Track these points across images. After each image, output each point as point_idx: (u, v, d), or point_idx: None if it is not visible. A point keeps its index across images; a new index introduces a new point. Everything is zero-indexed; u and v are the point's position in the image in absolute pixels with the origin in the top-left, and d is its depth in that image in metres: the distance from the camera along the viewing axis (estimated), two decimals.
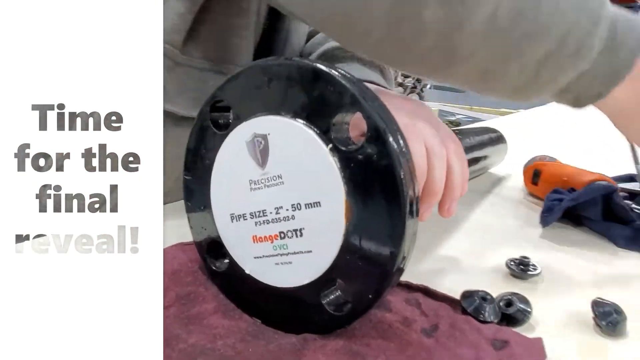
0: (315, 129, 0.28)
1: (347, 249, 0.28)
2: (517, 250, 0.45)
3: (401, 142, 0.26)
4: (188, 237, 0.36)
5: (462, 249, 0.45)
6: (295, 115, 0.29)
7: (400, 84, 5.60)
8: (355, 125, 0.28)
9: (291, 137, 0.29)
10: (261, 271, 0.31)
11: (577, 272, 0.42)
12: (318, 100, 0.28)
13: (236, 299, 0.33)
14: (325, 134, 0.28)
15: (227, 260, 0.33)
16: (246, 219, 0.31)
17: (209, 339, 0.29)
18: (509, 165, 0.70)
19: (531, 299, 0.34)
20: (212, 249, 0.34)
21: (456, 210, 0.39)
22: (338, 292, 0.29)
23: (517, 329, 0.32)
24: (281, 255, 0.30)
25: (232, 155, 0.31)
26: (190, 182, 0.34)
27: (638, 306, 0.35)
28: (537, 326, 0.33)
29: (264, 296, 0.31)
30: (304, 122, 0.28)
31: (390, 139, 0.26)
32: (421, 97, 5.57)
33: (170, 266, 0.34)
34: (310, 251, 0.29)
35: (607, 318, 0.32)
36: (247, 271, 0.32)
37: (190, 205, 0.35)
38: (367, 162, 0.26)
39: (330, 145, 0.27)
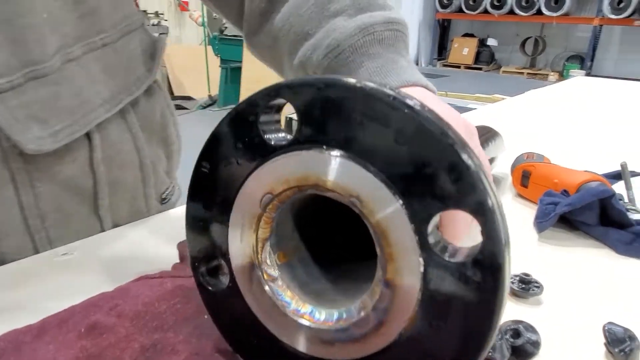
0: (410, 215, 0.20)
1: (387, 355, 0.23)
2: (514, 260, 0.43)
3: (507, 270, 0.20)
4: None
5: None
6: (390, 181, 0.21)
7: None
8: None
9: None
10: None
11: (581, 286, 0.40)
12: (428, 179, 0.20)
13: (230, 335, 0.27)
14: (420, 227, 0.20)
15: (226, 278, 0.26)
16: None
17: None
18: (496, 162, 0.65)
19: (536, 323, 0.32)
20: (209, 259, 0.27)
21: None
22: None
23: None
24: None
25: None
26: (205, 176, 0.25)
27: None
28: (546, 357, 0.31)
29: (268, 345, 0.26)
30: (399, 197, 0.21)
31: (506, 278, 0.20)
32: None
33: (133, 307, 0.27)
34: None
35: (620, 346, 0.31)
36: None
37: (195, 201, 0.26)
38: (460, 284, 0.20)
39: (424, 250, 0.20)
